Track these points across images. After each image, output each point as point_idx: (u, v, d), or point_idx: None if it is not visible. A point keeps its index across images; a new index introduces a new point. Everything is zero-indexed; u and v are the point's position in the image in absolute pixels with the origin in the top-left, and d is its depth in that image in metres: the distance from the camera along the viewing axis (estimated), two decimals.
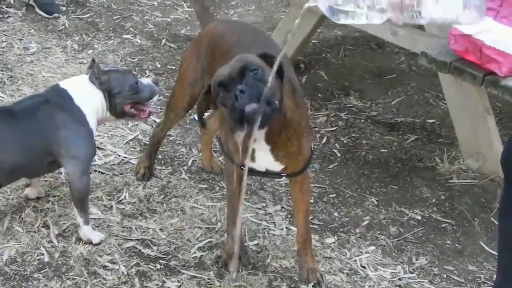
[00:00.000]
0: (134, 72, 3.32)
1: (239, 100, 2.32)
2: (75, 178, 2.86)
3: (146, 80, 3.07)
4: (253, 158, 2.59)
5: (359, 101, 4.24)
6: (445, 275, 2.99)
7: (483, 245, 3.18)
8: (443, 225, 3.29)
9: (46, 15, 4.69)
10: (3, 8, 4.73)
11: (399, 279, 2.94)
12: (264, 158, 2.59)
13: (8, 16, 4.66)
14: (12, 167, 2.81)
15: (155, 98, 3.08)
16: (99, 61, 4.25)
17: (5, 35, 4.42)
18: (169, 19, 4.98)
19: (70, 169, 2.85)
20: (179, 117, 3.28)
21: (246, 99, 2.32)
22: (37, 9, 4.71)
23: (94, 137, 2.95)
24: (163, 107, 3.94)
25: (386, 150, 3.79)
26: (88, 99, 2.91)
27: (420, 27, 3.86)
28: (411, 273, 2.98)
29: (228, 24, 3.14)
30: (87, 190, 2.93)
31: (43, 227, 2.99)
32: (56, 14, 4.70)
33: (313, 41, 4.75)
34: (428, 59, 3.29)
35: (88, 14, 4.86)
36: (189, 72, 3.07)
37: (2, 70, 4.04)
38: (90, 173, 3.34)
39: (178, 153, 3.61)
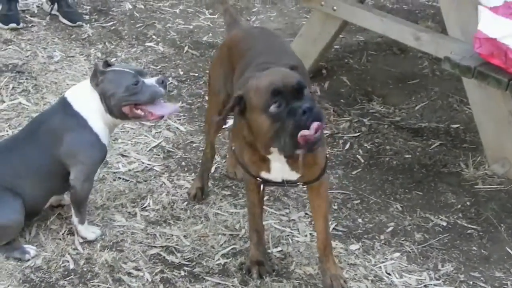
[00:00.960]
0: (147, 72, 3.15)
1: (303, 118, 2.30)
2: (77, 183, 2.88)
3: (150, 80, 2.88)
4: (269, 170, 2.59)
5: (382, 107, 4.22)
6: (471, 282, 2.96)
7: (509, 251, 3.14)
8: (469, 231, 3.25)
9: (69, 24, 4.73)
10: (27, 17, 4.78)
11: (425, 286, 2.92)
12: (281, 169, 2.59)
13: (32, 25, 4.71)
14: (41, 190, 2.88)
15: (160, 100, 2.90)
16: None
17: (30, 44, 4.47)
18: (191, 27, 5.00)
19: (74, 174, 2.87)
20: (214, 129, 3.18)
21: (311, 118, 2.30)
22: (60, 18, 4.76)
23: (104, 140, 2.90)
24: (185, 114, 3.97)
25: (410, 156, 3.76)
26: (87, 103, 2.87)
27: (443, 31, 3.84)
28: (437, 280, 2.95)
29: (244, 31, 3.15)
30: (87, 195, 2.94)
31: (68, 234, 3.01)
32: (79, 23, 4.74)
33: (335, 46, 4.74)
34: (451, 64, 3.27)
35: (111, 23, 4.89)
36: (215, 82, 3.07)
37: (26, 79, 4.08)
38: (114, 180, 3.37)
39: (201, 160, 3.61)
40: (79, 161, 2.86)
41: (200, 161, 3.37)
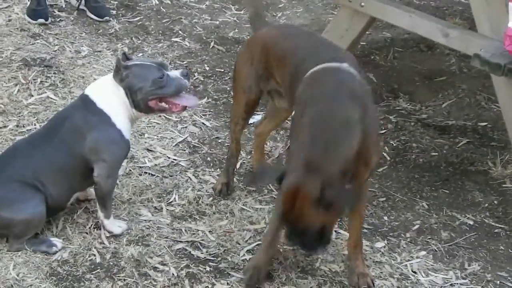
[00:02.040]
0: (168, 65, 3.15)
1: None
2: (101, 180, 2.89)
3: (174, 73, 2.91)
4: None
5: (408, 104, 4.19)
6: (498, 282, 2.93)
7: None
8: (496, 230, 3.22)
9: (97, 19, 4.76)
10: (55, 12, 4.82)
11: (451, 285, 2.89)
12: None
13: (60, 19, 4.75)
14: (63, 186, 2.90)
15: (185, 92, 2.95)
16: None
17: (57, 39, 4.50)
18: (217, 22, 5.00)
19: (98, 171, 2.89)
20: (240, 126, 3.20)
21: None
22: (88, 13, 4.79)
23: (127, 135, 2.92)
24: (211, 110, 3.98)
25: (437, 154, 3.73)
26: (110, 99, 2.89)
27: (471, 29, 3.80)
28: (463, 279, 2.93)
29: (279, 29, 3.14)
30: (111, 191, 2.96)
31: (94, 228, 3.03)
32: (107, 18, 4.77)
33: (361, 43, 4.71)
34: (481, 61, 3.23)
35: (138, 18, 4.91)
36: (243, 78, 3.06)
37: (54, 73, 4.11)
38: (140, 174, 3.39)
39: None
40: (102, 158, 2.88)
41: (226, 156, 3.38)
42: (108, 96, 2.89)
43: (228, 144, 3.46)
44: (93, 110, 2.89)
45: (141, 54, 4.46)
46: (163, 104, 2.91)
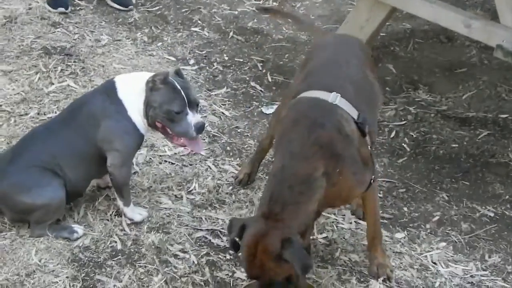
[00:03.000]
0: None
1: None
2: (114, 169, 2.91)
3: (197, 119, 2.88)
4: None
5: (428, 95, 4.17)
6: None
7: None
8: None
9: (120, 8, 4.76)
10: (75, 1, 4.83)
11: (471, 276, 2.89)
12: None
13: (80, 8, 4.76)
14: (80, 172, 2.91)
15: (188, 139, 2.90)
16: (168, 53, 4.35)
17: (77, 27, 4.52)
18: (236, 12, 5.00)
19: (110, 160, 2.90)
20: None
21: None
22: (110, 2, 4.79)
23: (142, 129, 2.91)
24: (230, 99, 3.98)
25: (457, 145, 3.71)
26: (133, 95, 2.89)
27: (494, 19, 3.77)
28: (484, 270, 2.92)
29: (321, 40, 3.15)
30: (126, 180, 2.96)
31: (115, 215, 3.04)
32: (131, 6, 4.78)
33: (381, 34, 4.69)
34: (504, 52, 3.22)
35: (157, 7, 4.92)
36: (295, 79, 3.05)
37: (74, 62, 4.13)
38: (160, 163, 3.40)
39: (246, 145, 3.63)
40: (114, 147, 2.89)
41: (245, 146, 3.37)
42: (133, 91, 2.89)
43: (248, 134, 3.47)
44: (113, 98, 2.90)
45: (160, 43, 4.46)
46: (168, 130, 2.90)
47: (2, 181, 2.82)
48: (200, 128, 2.88)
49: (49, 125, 3.01)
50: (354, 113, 2.58)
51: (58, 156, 2.87)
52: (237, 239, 2.44)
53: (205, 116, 3.80)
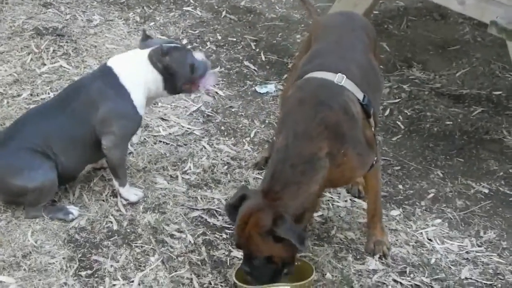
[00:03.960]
0: (190, 46, 3.19)
1: None
2: (110, 151, 2.91)
3: (199, 56, 2.99)
4: None
5: (422, 73, 4.17)
6: None
7: None
8: (511, 199, 3.22)
9: None
10: None
11: (467, 252, 2.90)
12: None
13: None
14: (74, 157, 2.90)
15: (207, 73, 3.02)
16: (160, 33, 4.32)
17: (69, 8, 4.48)
18: None
19: (106, 142, 2.89)
20: None
21: None
22: None
23: (141, 111, 2.92)
24: (224, 79, 3.97)
25: (451, 123, 3.72)
26: (136, 78, 2.90)
27: None
28: (479, 246, 2.93)
29: (326, 18, 3.13)
30: (121, 161, 2.96)
31: (111, 196, 3.04)
32: None
33: (374, 12, 4.67)
34: (498, 29, 3.21)
35: None
36: (297, 58, 3.06)
37: (67, 42, 4.10)
38: (155, 143, 3.39)
39: (241, 125, 3.62)
40: (112, 130, 2.88)
41: (239, 125, 3.36)
42: (135, 74, 2.90)
43: (242, 113, 3.46)
44: (113, 84, 2.89)
45: (153, 23, 4.43)
46: (195, 83, 2.98)
47: None
48: (206, 56, 3.04)
49: (42, 109, 2.99)
50: (359, 95, 2.59)
51: (50, 139, 2.85)
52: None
53: (199, 96, 3.79)
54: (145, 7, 4.61)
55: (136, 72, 2.90)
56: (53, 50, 4.00)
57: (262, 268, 2.43)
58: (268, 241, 2.37)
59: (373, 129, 2.66)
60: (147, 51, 2.91)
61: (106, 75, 2.91)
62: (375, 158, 2.64)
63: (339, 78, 2.58)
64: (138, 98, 2.90)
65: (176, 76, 2.92)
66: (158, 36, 4.30)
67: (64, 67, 3.87)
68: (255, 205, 2.40)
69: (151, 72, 2.90)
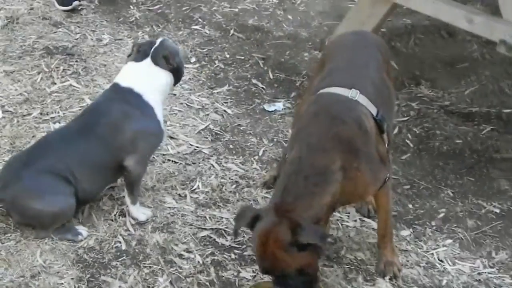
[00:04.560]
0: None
1: None
2: (133, 167, 2.91)
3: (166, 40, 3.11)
4: None
5: (430, 91, 4.16)
6: None
7: None
8: None
9: (62, 8, 4.60)
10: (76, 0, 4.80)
11: (479, 273, 2.88)
12: None
13: (81, 8, 4.74)
14: (96, 180, 2.92)
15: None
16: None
17: (79, 27, 4.50)
18: (237, 10, 4.98)
19: (128, 161, 2.90)
20: None
21: None
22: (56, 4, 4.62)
23: (162, 128, 2.97)
24: (232, 97, 3.96)
25: (461, 141, 3.70)
26: (157, 88, 2.94)
27: (495, 14, 3.75)
28: (491, 267, 2.91)
29: (339, 37, 3.11)
30: (140, 177, 2.98)
31: (119, 215, 3.03)
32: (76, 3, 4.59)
33: (381, 29, 4.67)
34: (507, 47, 3.21)
35: (158, 6, 4.90)
36: (311, 82, 3.04)
37: (76, 61, 4.11)
38: (164, 162, 3.39)
39: (249, 143, 3.62)
40: (138, 149, 2.89)
41: (247, 144, 3.35)
42: (155, 85, 2.95)
43: (250, 132, 3.44)
44: (137, 103, 2.91)
45: None
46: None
47: (15, 185, 2.80)
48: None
49: (64, 133, 2.97)
50: (373, 109, 2.60)
51: (73, 164, 2.85)
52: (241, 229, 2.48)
53: (208, 115, 3.79)
54: (154, 26, 4.62)
55: (154, 83, 2.94)
56: (63, 69, 4.02)
57: (297, 283, 2.40)
58: (294, 253, 2.35)
59: (386, 146, 2.65)
60: (149, 60, 2.94)
61: (127, 95, 2.92)
62: (387, 175, 2.63)
63: (353, 93, 2.59)
64: (159, 111, 2.96)
65: (182, 66, 3.05)
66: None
67: (74, 86, 3.88)
68: (269, 223, 2.38)
69: (163, 75, 2.96)
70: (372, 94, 2.64)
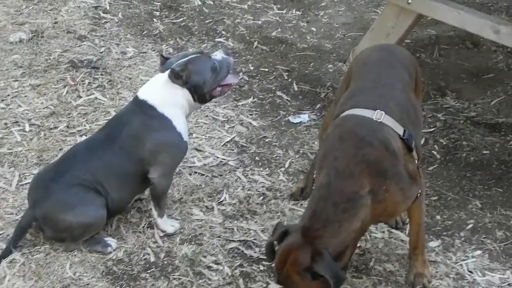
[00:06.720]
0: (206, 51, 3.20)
1: None
2: (158, 180, 2.92)
3: (219, 54, 3.02)
4: None
5: (456, 102, 4.14)
6: None
7: None
8: None
9: None
10: (100, 14, 4.85)
11: (509, 284, 2.85)
12: None
13: (105, 21, 4.79)
14: (124, 190, 2.93)
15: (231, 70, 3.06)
16: None
17: (103, 40, 4.54)
18: (260, 22, 5.00)
19: (153, 173, 2.91)
20: None
21: None
22: None
23: (186, 137, 2.97)
24: (257, 109, 3.97)
25: (488, 152, 3.68)
26: (171, 103, 2.93)
27: None
28: None
29: (367, 52, 3.07)
30: (166, 190, 2.98)
31: (148, 227, 3.04)
32: None
33: (406, 41, 4.66)
34: None
35: (181, 19, 4.93)
36: (338, 90, 3.06)
37: (101, 75, 4.14)
38: (190, 174, 3.40)
39: (275, 155, 3.61)
40: (161, 161, 2.90)
41: (273, 156, 3.34)
42: (167, 99, 2.92)
43: (276, 144, 3.44)
44: (153, 115, 2.91)
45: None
46: (222, 86, 3.03)
47: (46, 201, 2.83)
48: (226, 52, 3.08)
49: (90, 145, 2.98)
50: (399, 130, 2.58)
51: (101, 176, 2.87)
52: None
53: (233, 127, 3.80)
54: (177, 39, 4.65)
55: (167, 97, 2.93)
56: (88, 83, 4.05)
57: None
58: (306, 279, 2.37)
59: (416, 161, 2.64)
60: (165, 74, 2.94)
61: (143, 107, 2.93)
62: (419, 190, 2.61)
63: (378, 115, 2.57)
64: (179, 123, 2.93)
65: (201, 86, 2.95)
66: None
67: (99, 99, 3.91)
68: (294, 243, 2.40)
69: (178, 91, 2.93)
70: (398, 114, 2.62)
